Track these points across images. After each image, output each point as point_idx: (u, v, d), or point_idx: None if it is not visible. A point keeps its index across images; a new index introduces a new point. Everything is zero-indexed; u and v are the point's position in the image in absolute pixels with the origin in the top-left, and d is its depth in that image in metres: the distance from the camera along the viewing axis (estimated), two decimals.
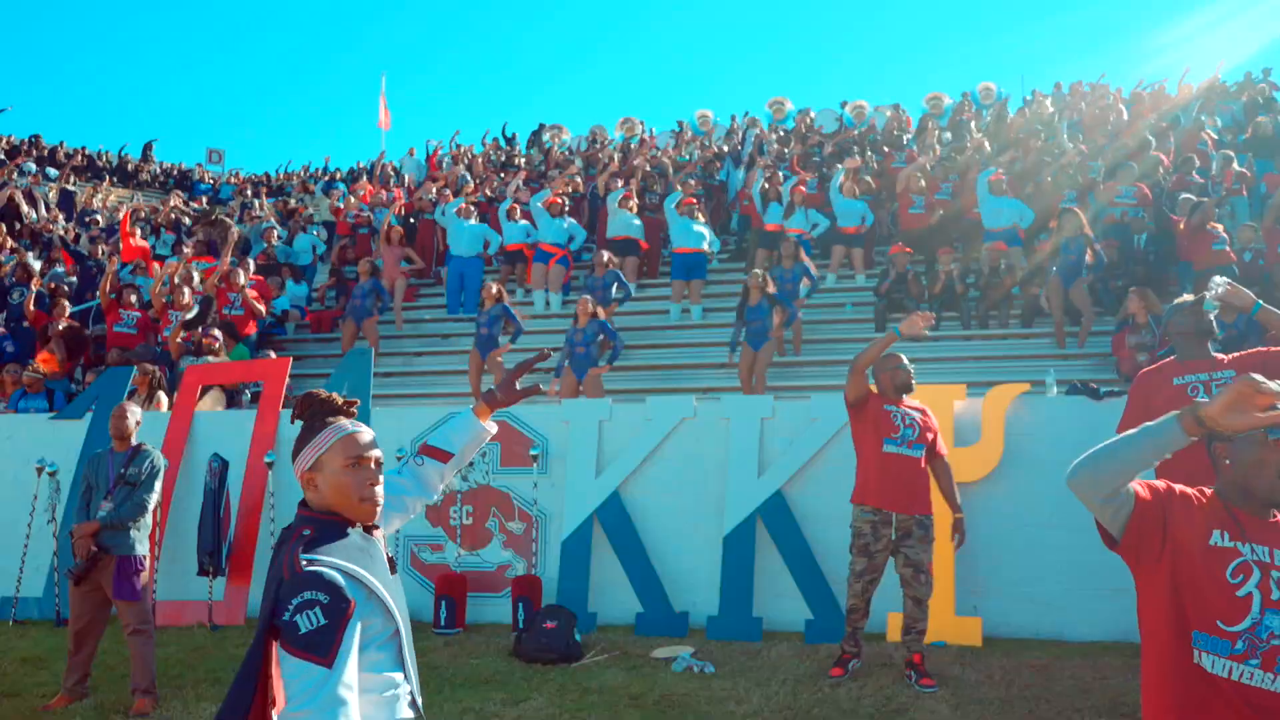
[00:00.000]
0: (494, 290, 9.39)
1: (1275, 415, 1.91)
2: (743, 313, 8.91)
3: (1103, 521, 2.15)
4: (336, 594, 1.92)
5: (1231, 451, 2.12)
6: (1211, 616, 2.03)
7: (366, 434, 2.16)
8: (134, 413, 5.59)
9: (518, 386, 2.65)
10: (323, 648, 1.87)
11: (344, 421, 2.16)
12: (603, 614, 6.61)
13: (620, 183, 13.35)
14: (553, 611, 5.99)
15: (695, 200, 11.56)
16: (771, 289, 8.85)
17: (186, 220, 16.54)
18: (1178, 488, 2.17)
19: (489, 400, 2.65)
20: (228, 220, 14.47)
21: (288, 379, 7.98)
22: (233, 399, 8.98)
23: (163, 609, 7.11)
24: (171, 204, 17.79)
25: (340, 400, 2.19)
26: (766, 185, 11.99)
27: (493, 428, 2.66)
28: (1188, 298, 4.22)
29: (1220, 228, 9.02)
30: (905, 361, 5.40)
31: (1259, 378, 1.96)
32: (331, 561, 1.96)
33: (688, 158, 16.54)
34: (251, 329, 10.54)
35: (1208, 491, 2.16)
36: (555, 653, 5.73)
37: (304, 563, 1.94)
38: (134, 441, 5.49)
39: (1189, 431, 1.99)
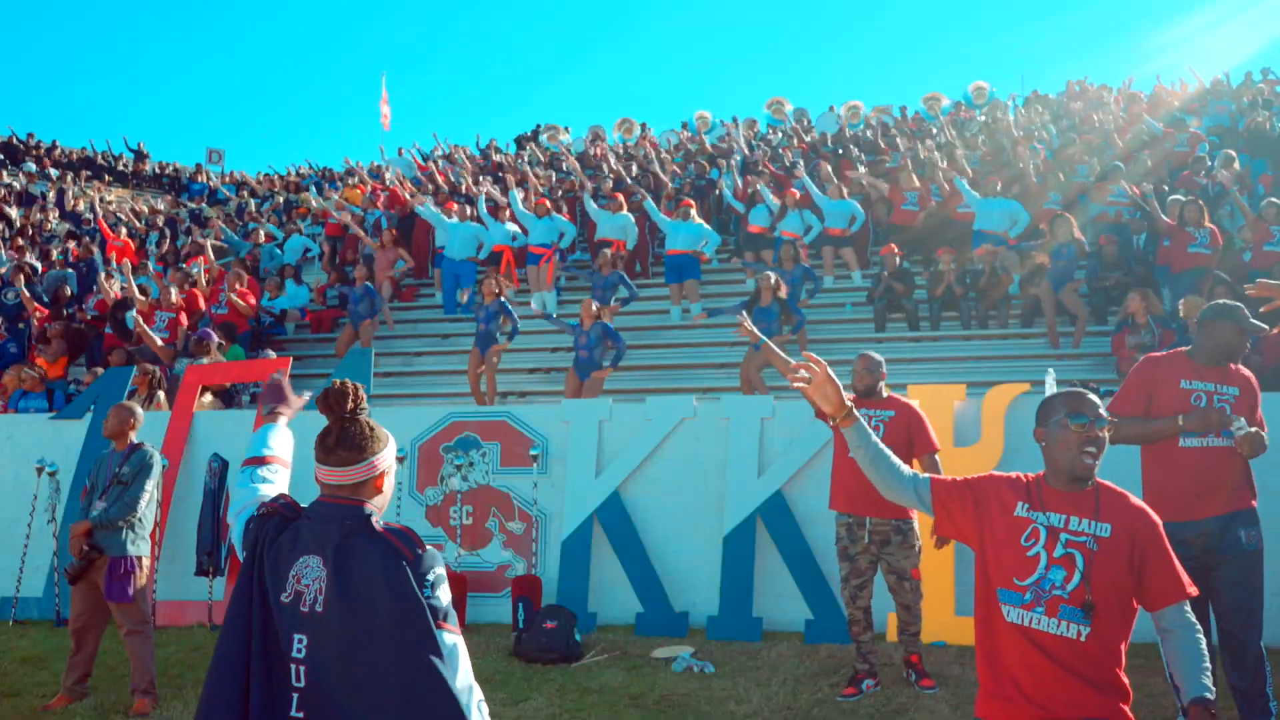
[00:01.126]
0: (494, 288, 9.40)
1: (801, 378, 2.58)
2: (750, 311, 8.86)
3: (922, 512, 2.60)
4: (445, 569, 2.09)
5: (1045, 436, 2.51)
6: (1009, 574, 2.41)
7: None
8: (124, 412, 5.50)
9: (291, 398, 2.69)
10: (455, 616, 2.05)
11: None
12: (603, 614, 6.61)
13: (609, 185, 13.44)
14: (553, 611, 5.99)
15: (689, 203, 11.56)
16: (783, 292, 8.82)
17: (181, 217, 16.54)
18: (994, 474, 2.59)
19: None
20: (199, 240, 14.42)
21: (287, 379, 7.97)
22: (230, 399, 8.98)
23: (163, 609, 7.11)
24: (145, 208, 17.81)
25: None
26: (746, 188, 12.03)
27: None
28: (1235, 303, 4.08)
29: (1201, 228, 8.96)
30: (871, 363, 5.18)
31: (809, 369, 2.58)
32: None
33: (681, 157, 16.60)
34: (241, 328, 10.56)
35: (1033, 475, 2.55)
36: (555, 653, 5.73)
37: (421, 541, 2.07)
38: (134, 440, 5.47)
39: (842, 425, 2.57)
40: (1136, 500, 2.49)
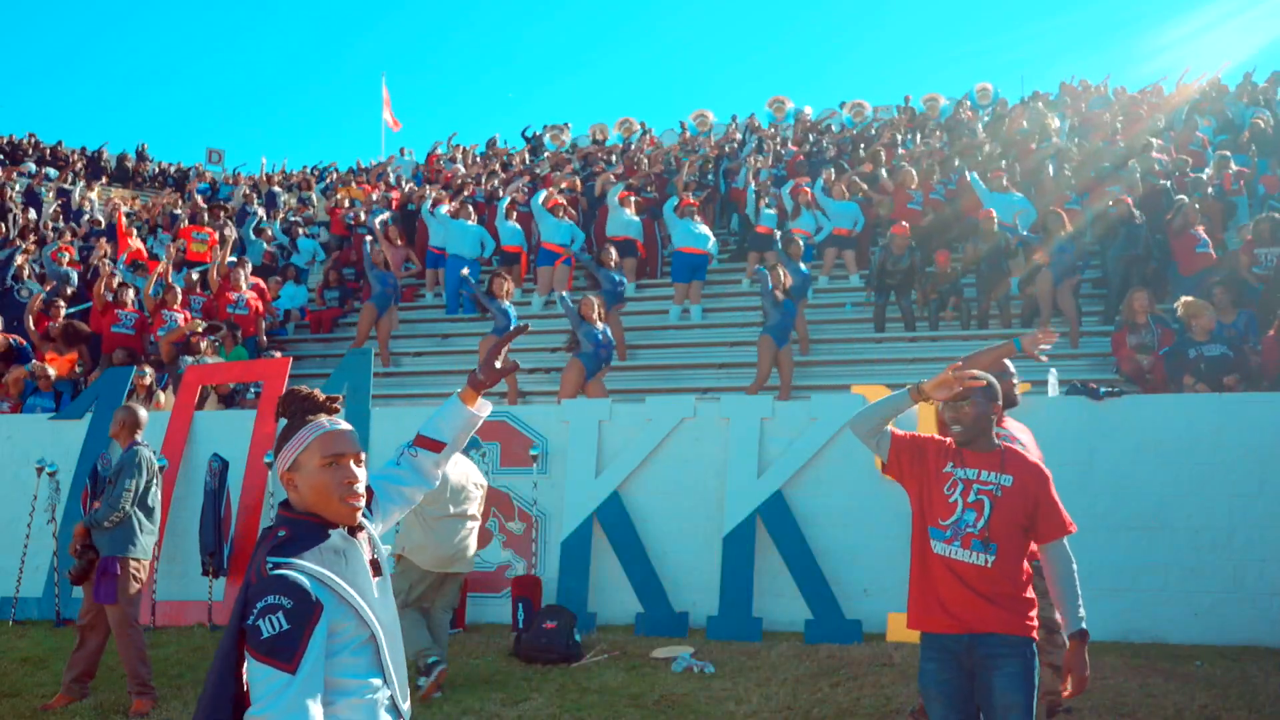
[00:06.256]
0: (506, 288, 9.43)
1: (965, 387, 3.00)
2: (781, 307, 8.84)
3: (874, 452, 3.21)
4: (301, 598, 1.88)
5: (947, 411, 3.07)
6: (936, 516, 3.04)
7: (345, 430, 2.11)
8: (124, 413, 5.47)
9: (496, 365, 2.53)
10: (285, 653, 1.84)
11: (322, 419, 2.11)
12: (603, 614, 6.62)
13: (624, 180, 13.42)
14: (553, 611, 5.99)
15: (695, 203, 11.54)
16: (788, 285, 8.80)
17: (180, 215, 16.51)
18: (935, 436, 3.17)
19: (473, 383, 2.52)
20: (228, 220, 14.46)
21: (287, 379, 7.98)
22: (231, 399, 8.98)
23: (163, 609, 7.12)
24: (164, 202, 17.76)
25: (322, 397, 2.14)
26: (757, 189, 12.01)
27: (485, 408, 2.54)
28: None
29: (1203, 229, 8.95)
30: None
31: (963, 367, 3.05)
32: (299, 565, 1.93)
33: (687, 158, 16.55)
34: (254, 330, 10.55)
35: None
36: (555, 653, 5.74)
37: (269, 566, 1.91)
38: (136, 440, 5.45)
39: (913, 398, 3.10)
40: (1033, 458, 3.14)
